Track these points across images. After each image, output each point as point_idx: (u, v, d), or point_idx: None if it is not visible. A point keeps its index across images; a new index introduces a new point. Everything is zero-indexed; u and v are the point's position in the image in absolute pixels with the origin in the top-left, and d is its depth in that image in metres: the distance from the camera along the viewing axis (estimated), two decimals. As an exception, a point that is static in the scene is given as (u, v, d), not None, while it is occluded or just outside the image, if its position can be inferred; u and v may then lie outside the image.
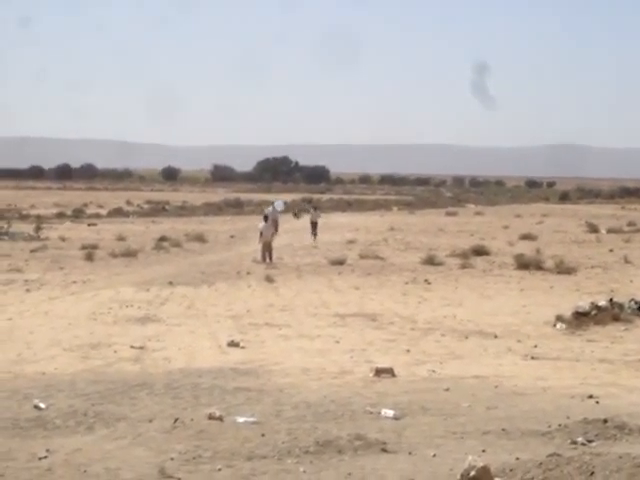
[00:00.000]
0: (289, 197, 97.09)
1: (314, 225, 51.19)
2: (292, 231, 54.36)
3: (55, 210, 74.62)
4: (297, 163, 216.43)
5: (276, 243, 40.50)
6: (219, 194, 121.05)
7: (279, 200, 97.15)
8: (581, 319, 22.50)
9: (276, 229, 52.17)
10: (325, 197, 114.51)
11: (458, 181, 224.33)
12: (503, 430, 12.74)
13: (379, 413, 13.66)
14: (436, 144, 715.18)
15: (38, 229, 49.96)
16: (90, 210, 77.83)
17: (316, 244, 47.17)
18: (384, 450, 11.72)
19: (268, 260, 37.46)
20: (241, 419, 13.11)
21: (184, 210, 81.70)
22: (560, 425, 12.74)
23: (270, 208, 58.58)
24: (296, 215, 64.66)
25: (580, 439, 12.01)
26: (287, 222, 60.35)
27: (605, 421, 12.59)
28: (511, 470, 10.22)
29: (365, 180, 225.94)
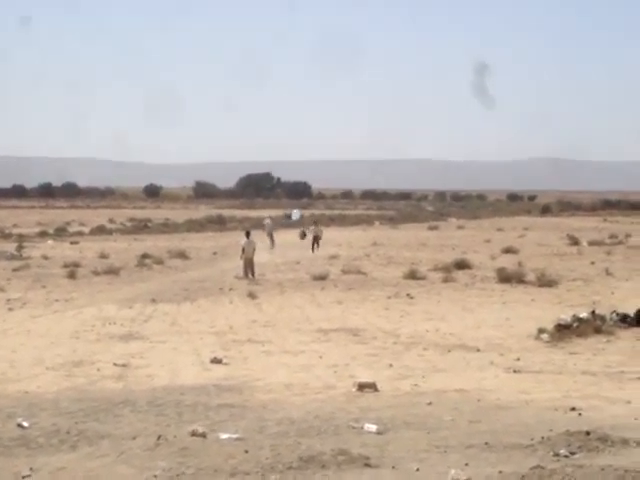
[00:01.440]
0: (272, 213, 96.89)
1: (316, 239, 53.14)
2: (276, 246, 54.28)
3: (37, 229, 74.34)
4: (279, 179, 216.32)
5: (257, 258, 40.42)
6: (201, 211, 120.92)
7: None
8: (563, 331, 22.61)
9: (272, 242, 53.19)
10: (307, 213, 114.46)
11: (440, 195, 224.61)
12: (486, 443, 12.77)
13: (362, 428, 13.69)
14: (417, 159, 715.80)
15: (20, 248, 49.85)
16: (73, 228, 77.56)
17: (313, 256, 47.82)
18: (367, 465, 11.72)
19: (250, 276, 37.48)
20: (224, 435, 13.11)
21: (166, 227, 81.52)
22: (543, 438, 12.78)
23: (267, 220, 58.83)
24: (304, 235, 60.65)
25: (563, 451, 12.05)
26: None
27: (588, 433, 12.62)
28: (494, 483, 10.26)
29: (347, 195, 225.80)
